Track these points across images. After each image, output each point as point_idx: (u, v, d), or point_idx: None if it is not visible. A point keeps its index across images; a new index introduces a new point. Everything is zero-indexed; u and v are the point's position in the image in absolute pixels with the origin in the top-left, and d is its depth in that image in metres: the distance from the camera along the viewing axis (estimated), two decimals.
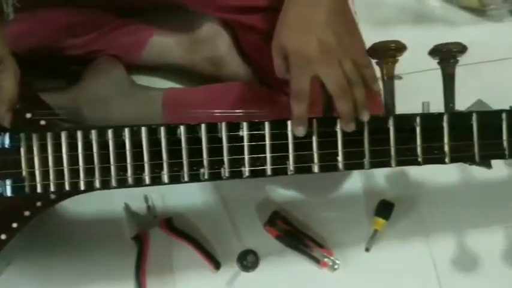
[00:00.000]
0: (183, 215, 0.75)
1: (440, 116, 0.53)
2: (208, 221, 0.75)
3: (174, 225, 0.74)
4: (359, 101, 0.49)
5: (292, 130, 0.49)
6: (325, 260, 0.74)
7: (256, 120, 0.49)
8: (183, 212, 0.75)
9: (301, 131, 0.49)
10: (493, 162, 0.75)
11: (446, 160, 0.53)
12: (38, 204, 0.47)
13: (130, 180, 0.46)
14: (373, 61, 0.55)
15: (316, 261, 0.74)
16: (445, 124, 0.53)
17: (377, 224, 0.76)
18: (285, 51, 0.49)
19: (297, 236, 0.75)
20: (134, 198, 0.75)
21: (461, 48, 0.57)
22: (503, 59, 0.88)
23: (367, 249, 0.76)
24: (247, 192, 0.77)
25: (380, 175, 0.79)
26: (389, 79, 0.55)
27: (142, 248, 0.72)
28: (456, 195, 0.80)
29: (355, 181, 0.79)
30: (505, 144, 0.55)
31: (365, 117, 0.50)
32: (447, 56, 0.57)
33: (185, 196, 0.76)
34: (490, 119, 0.55)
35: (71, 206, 0.73)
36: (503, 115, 0.55)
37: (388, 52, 0.54)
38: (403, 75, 0.84)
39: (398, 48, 0.54)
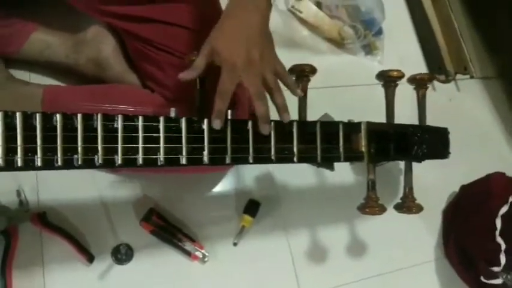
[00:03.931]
0: (58, 210, 0.76)
1: (291, 123, 0.64)
2: (84, 217, 0.77)
3: (48, 220, 0.74)
4: (280, 105, 0.60)
5: (212, 122, 0.56)
6: (196, 253, 0.80)
7: (130, 115, 0.54)
8: (58, 208, 0.76)
9: (218, 124, 0.56)
10: (342, 168, 0.91)
11: (295, 159, 0.64)
12: None
13: (1, 162, 0.48)
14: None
15: (188, 254, 0.80)
16: (294, 130, 0.63)
17: (245, 221, 0.85)
18: (216, 55, 0.56)
19: (170, 231, 0.80)
20: (5, 192, 0.74)
21: (312, 69, 0.69)
22: (354, 85, 1.05)
23: (235, 244, 0.84)
24: (124, 191, 0.81)
25: (249, 177, 0.89)
26: (304, 95, 0.67)
27: (10, 242, 0.70)
28: (311, 197, 0.93)
29: (227, 182, 0.87)
30: (340, 149, 0.67)
31: (286, 118, 0.60)
32: (301, 74, 0.69)
33: (61, 192, 0.77)
34: (331, 128, 0.67)
35: None
36: (340, 126, 0.68)
37: (304, 72, 0.68)
38: None
39: (311, 70, 0.68)
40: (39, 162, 0.49)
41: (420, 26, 1.21)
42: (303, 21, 1.08)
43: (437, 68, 1.17)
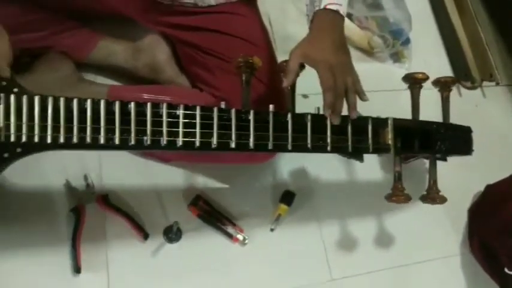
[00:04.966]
0: (118, 193, 0.86)
1: (324, 116, 0.72)
2: (140, 200, 0.87)
3: (110, 201, 0.85)
4: (352, 104, 0.71)
5: (325, 113, 0.69)
6: (238, 236, 0.89)
7: (190, 105, 0.64)
8: (118, 191, 0.86)
9: (327, 114, 0.69)
10: (371, 166, 0.97)
11: (328, 149, 0.72)
12: (5, 155, 0.57)
13: (88, 139, 0.59)
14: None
15: (230, 236, 0.89)
16: (328, 122, 0.72)
17: (281, 209, 0.93)
18: (310, 60, 0.69)
19: (215, 215, 0.89)
20: (75, 177, 0.85)
21: None
22: (382, 90, 1.13)
23: (272, 230, 0.93)
24: (174, 179, 0.91)
25: (285, 170, 0.98)
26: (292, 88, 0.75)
27: (79, 219, 0.81)
28: (343, 189, 1.01)
29: (265, 173, 0.96)
30: (369, 141, 0.75)
31: (353, 116, 0.71)
32: None
33: (122, 177, 0.88)
34: (361, 122, 0.75)
35: (17, 181, 0.82)
36: (369, 120, 0.75)
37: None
38: (309, 94, 1.06)
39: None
40: (117, 141, 0.60)
41: (447, 35, 1.27)
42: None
43: (463, 75, 1.23)
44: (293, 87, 0.74)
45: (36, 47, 0.85)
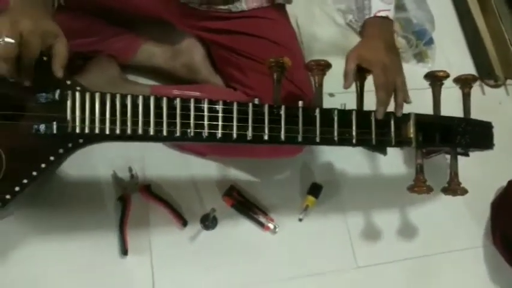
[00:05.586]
0: (160, 184, 0.94)
1: (350, 111, 0.78)
2: (179, 190, 0.95)
3: (152, 191, 0.93)
4: (399, 102, 0.77)
5: (376, 109, 0.75)
6: (269, 224, 0.96)
7: (228, 101, 0.71)
8: (159, 182, 0.94)
9: (381, 111, 0.75)
10: (394, 162, 1.02)
11: (354, 141, 0.77)
12: (69, 145, 0.66)
13: (140, 131, 0.66)
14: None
15: (261, 225, 0.96)
16: (353, 117, 0.77)
17: (308, 201, 0.99)
18: (365, 62, 0.75)
19: (247, 205, 0.96)
20: (121, 168, 0.93)
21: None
22: None
23: (300, 220, 0.99)
24: (210, 171, 0.99)
25: (313, 164, 1.04)
26: (320, 86, 0.81)
27: (125, 207, 0.90)
28: (368, 183, 1.06)
29: (294, 167, 1.02)
30: (392, 134, 0.80)
31: (399, 113, 0.77)
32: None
33: (162, 169, 0.96)
34: (384, 117, 0.80)
35: (71, 172, 0.91)
36: (392, 115, 0.80)
37: (319, 67, 0.81)
38: (335, 93, 1.11)
39: (326, 65, 0.80)
40: (164, 133, 0.67)
41: (470, 34, 1.31)
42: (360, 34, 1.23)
43: (486, 73, 1.26)
44: (320, 86, 0.80)
45: (88, 51, 0.94)
